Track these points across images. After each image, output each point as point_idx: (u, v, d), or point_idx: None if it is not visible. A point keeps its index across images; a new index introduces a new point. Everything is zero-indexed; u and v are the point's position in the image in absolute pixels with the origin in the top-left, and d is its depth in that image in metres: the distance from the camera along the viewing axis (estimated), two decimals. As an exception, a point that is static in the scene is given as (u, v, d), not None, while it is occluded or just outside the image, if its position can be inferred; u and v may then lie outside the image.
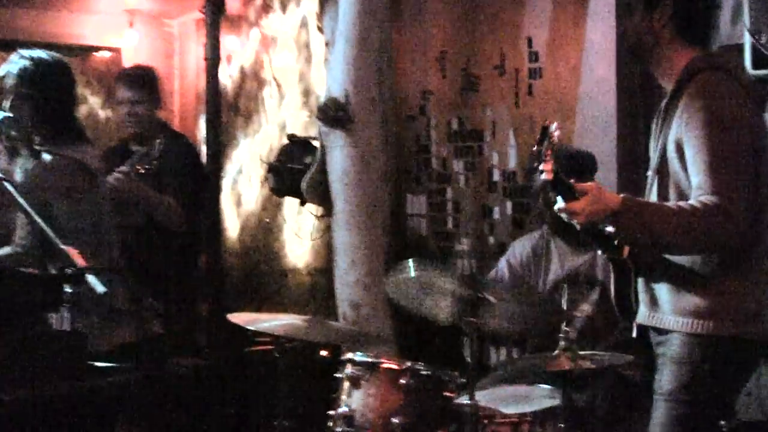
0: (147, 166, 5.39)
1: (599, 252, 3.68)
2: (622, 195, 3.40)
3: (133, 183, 5.44)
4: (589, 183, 3.41)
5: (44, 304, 3.83)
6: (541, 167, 3.35)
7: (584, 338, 4.77)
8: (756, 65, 3.04)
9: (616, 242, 3.51)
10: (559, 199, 3.43)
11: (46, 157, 4.66)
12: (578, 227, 3.48)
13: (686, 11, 3.63)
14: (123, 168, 5.39)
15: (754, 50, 3.04)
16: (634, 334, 3.68)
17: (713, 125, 3.36)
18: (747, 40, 3.05)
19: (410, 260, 4.10)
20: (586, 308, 4.92)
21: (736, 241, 3.34)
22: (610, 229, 3.46)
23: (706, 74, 3.47)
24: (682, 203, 3.38)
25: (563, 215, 3.44)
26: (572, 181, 3.42)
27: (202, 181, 6.08)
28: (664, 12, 3.58)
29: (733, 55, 3.28)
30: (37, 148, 4.69)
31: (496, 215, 6.44)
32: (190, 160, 5.99)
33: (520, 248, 5.29)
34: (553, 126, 3.36)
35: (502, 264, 5.29)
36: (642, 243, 3.45)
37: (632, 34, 3.63)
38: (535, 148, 3.37)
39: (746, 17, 3.05)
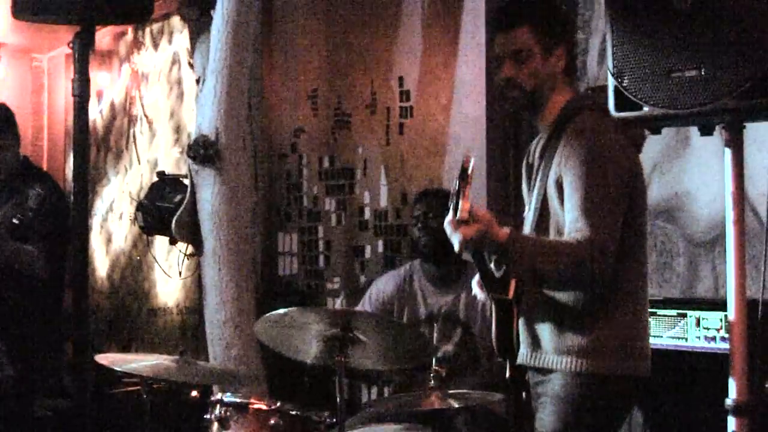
0: (21, 217, 5.26)
1: (479, 292, 3.67)
2: (508, 228, 3.41)
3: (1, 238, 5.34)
4: (485, 212, 3.41)
5: None
6: (460, 204, 3.35)
7: (449, 378, 4.79)
8: (618, 107, 3.08)
9: (501, 281, 3.50)
10: (450, 214, 3.41)
11: None
12: (457, 249, 3.45)
13: (574, 53, 3.70)
14: None
15: (617, 93, 3.08)
16: (508, 374, 3.67)
17: (591, 163, 3.40)
18: (611, 83, 3.09)
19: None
20: (449, 348, 4.95)
21: (607, 275, 3.38)
22: (493, 266, 3.49)
23: (587, 113, 3.52)
24: (560, 239, 3.42)
25: (448, 231, 3.41)
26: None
27: (69, 225, 5.94)
28: (561, 56, 3.62)
29: (604, 95, 3.32)
30: None
31: (368, 254, 6.44)
32: (59, 205, 5.83)
33: (382, 286, 5.28)
34: (471, 163, 3.38)
35: (366, 302, 5.29)
36: (524, 276, 3.46)
37: (531, 80, 3.59)
38: (456, 186, 3.37)
39: (609, 60, 3.09)
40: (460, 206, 3.35)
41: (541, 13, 3.66)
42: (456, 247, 3.41)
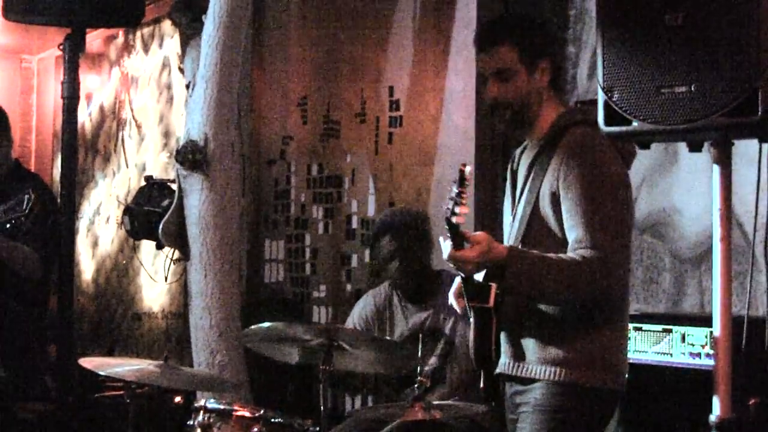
0: (14, 223, 5.23)
1: (455, 304, 3.67)
2: (507, 246, 3.43)
3: None
4: (480, 233, 3.41)
5: None
6: (457, 210, 3.35)
7: (433, 388, 4.84)
8: (608, 122, 3.08)
9: (481, 289, 3.50)
10: (446, 246, 3.42)
11: None
12: (463, 276, 3.48)
13: (559, 65, 3.73)
14: None
15: (607, 107, 3.08)
16: (482, 385, 3.67)
17: (593, 180, 3.42)
18: (600, 97, 3.09)
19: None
20: (433, 361, 4.97)
21: (615, 293, 3.42)
22: (479, 277, 3.49)
23: (582, 128, 3.50)
24: (563, 255, 3.41)
25: (451, 263, 3.43)
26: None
27: (58, 226, 5.94)
28: (545, 69, 3.62)
29: (594, 110, 3.32)
30: None
31: (354, 262, 6.44)
32: (50, 207, 5.82)
33: (363, 306, 5.30)
34: (468, 169, 3.38)
35: (349, 324, 5.29)
36: (524, 293, 3.46)
37: (518, 97, 3.59)
38: (454, 191, 3.37)
39: (600, 74, 3.09)
40: (458, 211, 3.35)
41: (521, 29, 3.66)
42: (464, 275, 3.45)
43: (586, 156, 3.45)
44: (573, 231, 3.43)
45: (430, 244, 5.04)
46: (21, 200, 5.17)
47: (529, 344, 3.56)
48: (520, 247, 3.53)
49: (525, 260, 3.38)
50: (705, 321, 4.12)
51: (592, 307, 3.46)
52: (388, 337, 5.10)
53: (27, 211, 5.15)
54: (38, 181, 5.94)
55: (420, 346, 4.61)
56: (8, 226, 5.24)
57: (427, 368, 4.89)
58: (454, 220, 3.37)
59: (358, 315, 5.26)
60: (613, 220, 3.41)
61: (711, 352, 3.92)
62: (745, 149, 3.19)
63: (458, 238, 3.40)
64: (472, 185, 5.49)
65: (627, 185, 3.53)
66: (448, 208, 3.39)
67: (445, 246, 3.43)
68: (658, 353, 4.41)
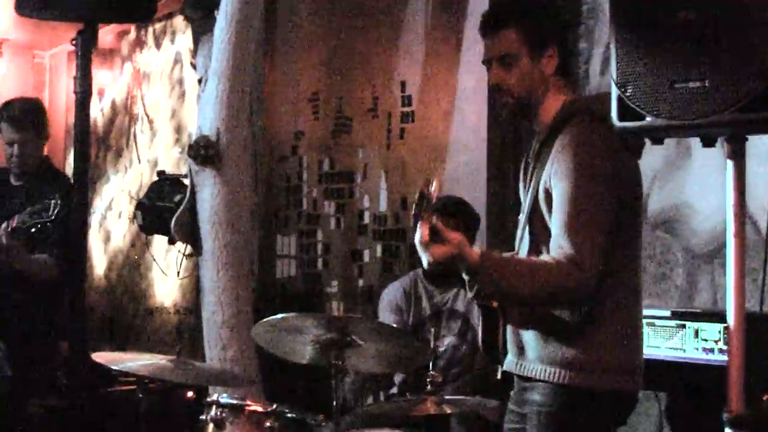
0: (40, 228, 5.19)
1: (469, 296, 3.63)
2: (481, 250, 3.33)
3: (11, 247, 5.28)
4: (454, 233, 3.31)
5: None
6: (417, 229, 3.30)
7: (450, 367, 4.88)
8: (621, 117, 3.07)
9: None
10: (419, 232, 3.35)
11: None
12: (426, 265, 3.37)
13: (565, 53, 3.58)
14: (5, 226, 5.22)
15: (620, 102, 3.07)
16: (499, 377, 3.64)
17: (579, 177, 3.30)
18: (614, 92, 3.08)
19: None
20: (450, 340, 5.06)
21: (589, 295, 3.29)
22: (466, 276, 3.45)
23: (582, 120, 3.37)
24: (538, 259, 3.33)
25: (419, 249, 3.37)
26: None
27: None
28: (551, 57, 3.48)
29: (604, 99, 3.26)
30: None
31: (366, 258, 6.44)
32: (72, 206, 5.79)
33: (392, 294, 5.35)
34: (432, 186, 3.30)
35: (385, 312, 5.32)
36: (498, 300, 3.43)
37: (521, 85, 3.46)
38: (413, 212, 3.32)
39: (613, 69, 3.08)
40: (419, 230, 3.30)
41: (528, 13, 3.52)
42: (425, 266, 3.38)
43: (576, 152, 3.32)
44: (554, 228, 3.34)
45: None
46: (47, 206, 5.11)
47: (530, 341, 3.48)
48: (528, 236, 3.49)
49: (495, 265, 3.30)
50: (718, 316, 4.12)
51: (570, 308, 3.35)
52: (411, 318, 5.20)
53: (53, 218, 5.11)
54: (65, 184, 5.87)
55: (431, 334, 4.61)
56: (33, 230, 5.20)
57: (442, 347, 4.96)
58: (419, 238, 3.32)
59: (388, 302, 5.31)
60: (596, 220, 3.28)
61: (724, 347, 3.92)
62: (757, 146, 3.18)
63: (434, 233, 3.34)
64: (482, 184, 5.58)
65: (623, 181, 3.40)
66: (415, 219, 3.32)
67: (419, 232, 3.33)
68: (671, 349, 4.41)
